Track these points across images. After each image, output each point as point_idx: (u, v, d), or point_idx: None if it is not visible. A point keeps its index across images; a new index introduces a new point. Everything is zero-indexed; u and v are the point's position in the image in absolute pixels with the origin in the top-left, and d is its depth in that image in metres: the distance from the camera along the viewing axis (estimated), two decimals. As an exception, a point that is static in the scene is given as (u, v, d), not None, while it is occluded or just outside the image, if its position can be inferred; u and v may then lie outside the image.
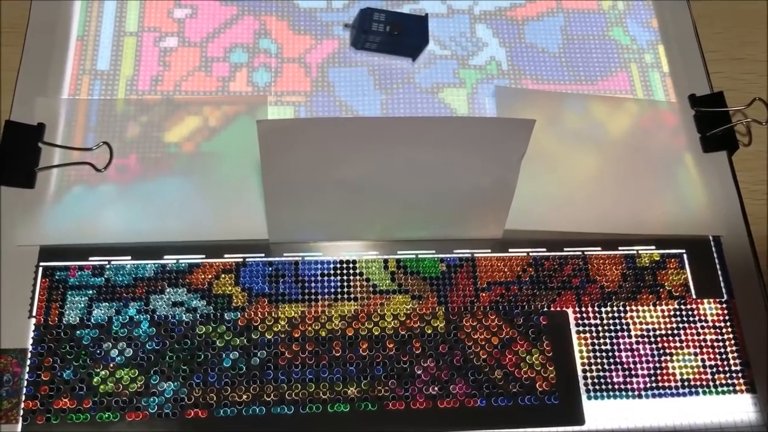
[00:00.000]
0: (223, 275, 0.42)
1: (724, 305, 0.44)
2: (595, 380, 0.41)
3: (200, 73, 0.47)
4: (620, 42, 0.51)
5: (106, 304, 0.41)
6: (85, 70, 0.47)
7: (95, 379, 0.39)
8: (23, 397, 0.38)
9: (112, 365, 0.40)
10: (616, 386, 0.41)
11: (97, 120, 0.45)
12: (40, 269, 0.41)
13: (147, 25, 0.48)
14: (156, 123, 0.45)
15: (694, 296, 0.44)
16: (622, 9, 0.53)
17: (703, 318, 0.44)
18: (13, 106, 0.44)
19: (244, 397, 0.39)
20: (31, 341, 0.40)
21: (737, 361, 0.43)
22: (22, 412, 0.38)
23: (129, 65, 0.47)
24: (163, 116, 0.45)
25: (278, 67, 0.48)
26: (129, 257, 0.42)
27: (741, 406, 0.42)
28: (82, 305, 0.41)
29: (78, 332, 0.40)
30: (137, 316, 0.41)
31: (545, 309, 0.43)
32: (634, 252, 0.45)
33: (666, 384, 0.42)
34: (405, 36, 0.48)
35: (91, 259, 0.42)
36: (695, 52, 0.51)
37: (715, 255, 0.45)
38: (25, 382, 0.39)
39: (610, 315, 0.43)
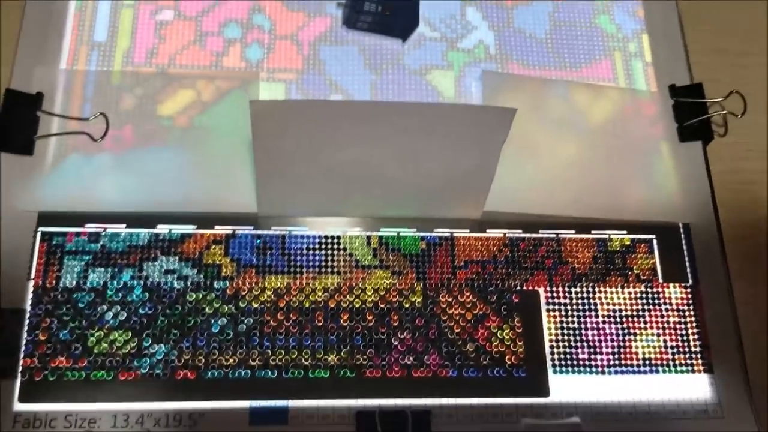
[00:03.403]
0: (213, 246, 0.44)
1: (689, 290, 0.46)
2: (562, 356, 0.44)
3: (195, 47, 0.48)
4: (606, 30, 0.53)
5: (102, 269, 0.43)
6: (83, 41, 0.48)
7: (90, 340, 0.41)
8: (22, 355, 0.41)
9: (106, 327, 0.42)
10: (582, 362, 0.44)
11: (94, 91, 0.46)
12: (39, 234, 0.43)
13: (144, -3, 0.49)
14: (151, 96, 0.47)
15: (660, 280, 0.47)
16: (610, -4, 0.54)
17: (667, 301, 0.46)
18: (13, 75, 0.46)
19: (231, 360, 0.42)
20: (29, 303, 0.42)
21: (697, 343, 0.45)
22: (20, 369, 0.40)
23: (125, 37, 0.48)
24: (158, 89, 0.47)
25: (271, 43, 0.49)
26: (124, 225, 0.44)
27: (698, 385, 0.44)
28: (79, 270, 0.43)
29: (75, 295, 0.42)
30: (131, 282, 0.43)
31: (518, 288, 0.45)
32: (606, 236, 0.47)
33: (628, 362, 0.44)
34: (396, 17, 0.49)
35: (87, 225, 0.44)
36: (678, 43, 0.53)
37: (683, 241, 0.48)
38: (24, 341, 0.41)
39: (579, 295, 0.46)
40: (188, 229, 0.44)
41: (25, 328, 0.41)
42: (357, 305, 0.44)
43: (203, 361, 0.42)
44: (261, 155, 0.41)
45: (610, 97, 0.50)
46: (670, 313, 0.46)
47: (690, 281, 0.47)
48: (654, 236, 0.48)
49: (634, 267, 0.47)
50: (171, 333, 0.42)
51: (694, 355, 0.45)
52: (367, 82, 0.49)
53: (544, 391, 0.43)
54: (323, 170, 0.42)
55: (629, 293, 0.46)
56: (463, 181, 0.44)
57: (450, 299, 0.45)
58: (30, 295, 0.42)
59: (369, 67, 0.49)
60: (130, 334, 0.42)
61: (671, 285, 0.46)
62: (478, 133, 0.41)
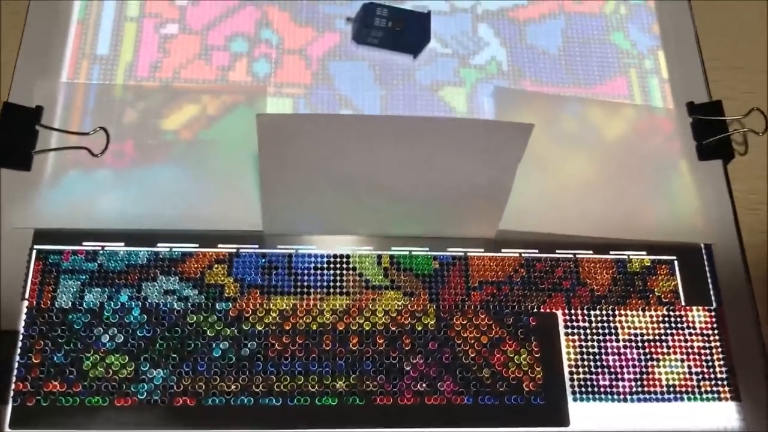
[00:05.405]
0: (216, 265, 0.42)
1: (713, 313, 0.44)
2: (582, 382, 0.42)
3: (200, 61, 0.47)
4: (620, 47, 0.51)
5: (99, 289, 0.41)
6: (85, 54, 0.47)
7: (85, 364, 0.39)
8: (14, 379, 0.39)
9: (102, 351, 0.40)
10: (603, 389, 0.42)
11: (95, 104, 0.45)
12: (34, 252, 0.41)
13: (148, 11, 0.48)
14: (154, 110, 0.45)
15: (683, 303, 0.45)
16: (624, 13, 0.53)
17: (691, 325, 0.44)
18: (12, 88, 0.44)
19: (233, 387, 0.40)
20: (23, 324, 0.40)
21: (723, 369, 0.43)
22: (12, 394, 0.38)
23: (129, 51, 0.47)
24: (161, 103, 0.45)
25: (278, 58, 0.48)
26: (122, 243, 0.42)
27: (725, 414, 0.42)
28: (75, 290, 0.41)
29: (70, 316, 0.40)
30: (129, 303, 0.41)
31: (535, 310, 0.43)
32: (625, 257, 0.45)
33: (651, 389, 0.42)
34: (407, 33, 0.48)
35: (84, 244, 0.42)
36: (695, 59, 0.52)
37: (705, 263, 0.46)
38: (16, 364, 0.39)
39: (599, 318, 0.44)
40: (190, 247, 0.42)
41: (18, 351, 0.39)
42: (367, 328, 0.42)
43: (203, 387, 0.39)
44: (267, 169, 0.39)
45: (625, 114, 0.49)
46: (694, 337, 0.44)
47: (714, 304, 0.45)
48: (675, 257, 0.46)
49: (655, 289, 0.45)
50: (170, 357, 0.40)
51: (720, 382, 0.43)
52: (377, 97, 0.48)
53: (564, 420, 0.41)
54: (331, 185, 0.40)
55: (651, 317, 0.44)
56: (477, 198, 0.42)
57: (464, 322, 0.42)
58: (23, 316, 0.40)
59: (379, 82, 0.48)
60: (127, 358, 0.40)
61: (694, 308, 0.45)
62: (493, 149, 0.39)
